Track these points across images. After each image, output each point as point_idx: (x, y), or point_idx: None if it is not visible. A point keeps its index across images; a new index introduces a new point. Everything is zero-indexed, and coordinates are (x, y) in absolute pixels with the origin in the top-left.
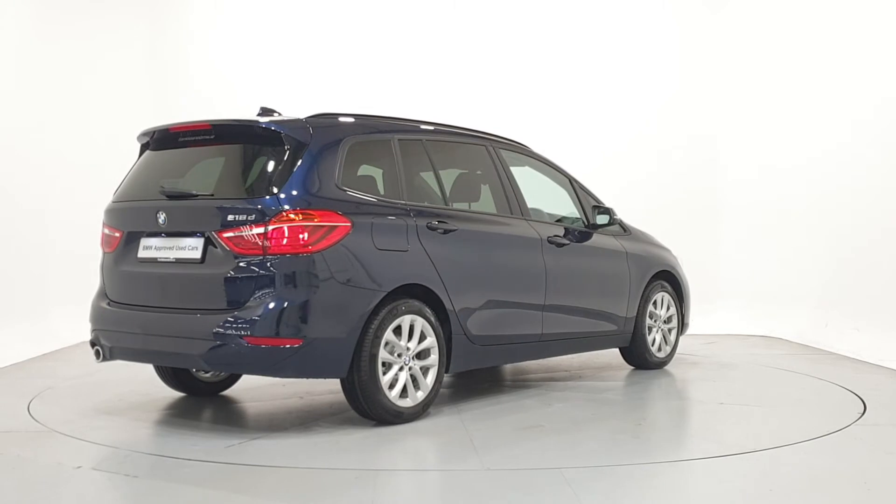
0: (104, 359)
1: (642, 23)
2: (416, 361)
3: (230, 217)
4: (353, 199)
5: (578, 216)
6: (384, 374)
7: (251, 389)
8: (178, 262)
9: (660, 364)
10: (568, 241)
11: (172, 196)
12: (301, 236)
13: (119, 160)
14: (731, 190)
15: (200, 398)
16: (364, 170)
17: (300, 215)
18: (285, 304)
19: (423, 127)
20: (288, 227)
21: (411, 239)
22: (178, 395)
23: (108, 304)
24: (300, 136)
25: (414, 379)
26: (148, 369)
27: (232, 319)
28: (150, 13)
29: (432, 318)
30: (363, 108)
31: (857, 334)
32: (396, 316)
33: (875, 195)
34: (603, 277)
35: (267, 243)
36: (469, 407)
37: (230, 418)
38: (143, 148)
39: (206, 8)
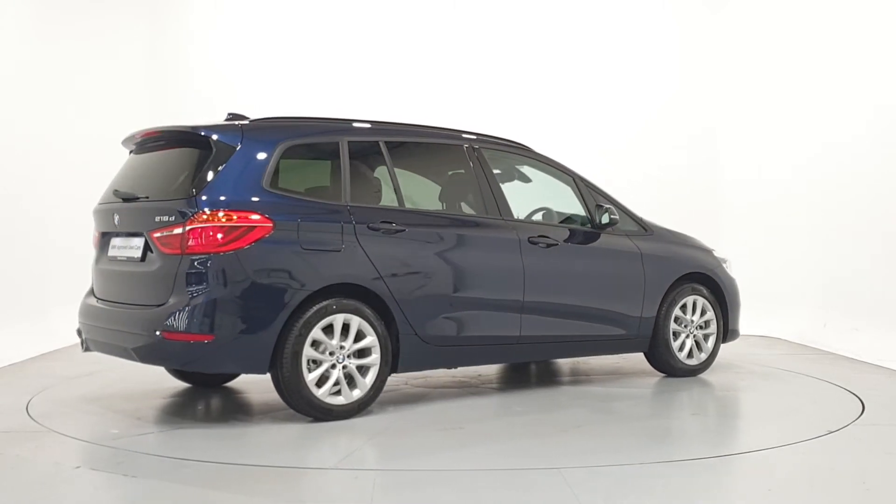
0: (86, 349)
1: (642, 23)
2: (355, 360)
3: (157, 218)
4: (282, 200)
5: (586, 216)
6: (312, 371)
7: (252, 382)
8: (128, 260)
9: (691, 371)
10: (556, 242)
11: (125, 199)
12: (217, 236)
13: (118, 160)
14: (730, 190)
15: (199, 394)
16: (303, 171)
17: (217, 216)
18: (197, 301)
19: (385, 128)
20: (203, 227)
21: (347, 239)
22: (176, 394)
23: (94, 299)
24: (229, 140)
25: (352, 377)
26: (145, 368)
27: (154, 315)
28: (150, 13)
29: (372, 318)
30: (362, 108)
31: (856, 334)
32: (326, 314)
33: (875, 195)
34: (606, 279)
35: (185, 243)
36: (416, 407)
37: (214, 414)
38: (130, 152)
39: (206, 8)
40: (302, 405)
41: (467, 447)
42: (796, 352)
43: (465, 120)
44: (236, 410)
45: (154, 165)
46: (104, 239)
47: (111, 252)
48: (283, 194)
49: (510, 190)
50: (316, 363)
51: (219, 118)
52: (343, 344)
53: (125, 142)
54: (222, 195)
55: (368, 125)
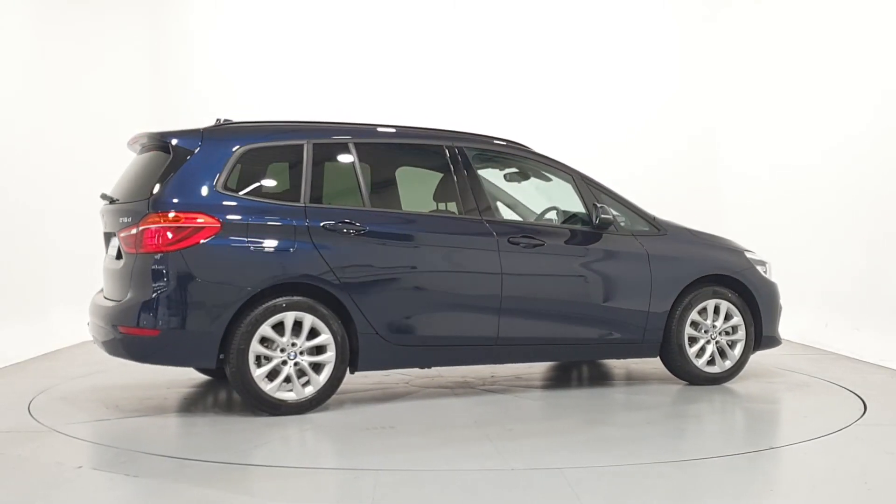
0: (95, 342)
1: (642, 24)
2: (308, 357)
3: (120, 219)
4: (233, 201)
5: (588, 216)
6: (260, 366)
7: None
8: (111, 259)
9: (714, 380)
10: (542, 242)
11: (111, 201)
12: (167, 235)
13: (119, 160)
14: (731, 190)
15: (203, 390)
16: (262, 173)
17: (165, 217)
18: (145, 298)
19: (355, 130)
20: (154, 227)
21: (300, 239)
22: (177, 394)
23: (100, 296)
24: (187, 144)
25: (306, 374)
26: (145, 368)
27: (114, 310)
28: (150, 13)
29: (328, 316)
30: (362, 108)
31: (857, 334)
32: (276, 312)
33: (876, 195)
34: (602, 280)
35: (140, 242)
36: (377, 405)
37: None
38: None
39: (206, 8)
40: (250, 399)
41: (460, 447)
42: (797, 352)
43: (465, 120)
44: (241, 406)
45: (132, 169)
46: (106, 238)
47: (109, 251)
48: (235, 196)
49: (524, 189)
50: (267, 359)
51: (215, 117)
52: (295, 341)
53: (128, 144)
54: (174, 197)
55: (337, 127)
